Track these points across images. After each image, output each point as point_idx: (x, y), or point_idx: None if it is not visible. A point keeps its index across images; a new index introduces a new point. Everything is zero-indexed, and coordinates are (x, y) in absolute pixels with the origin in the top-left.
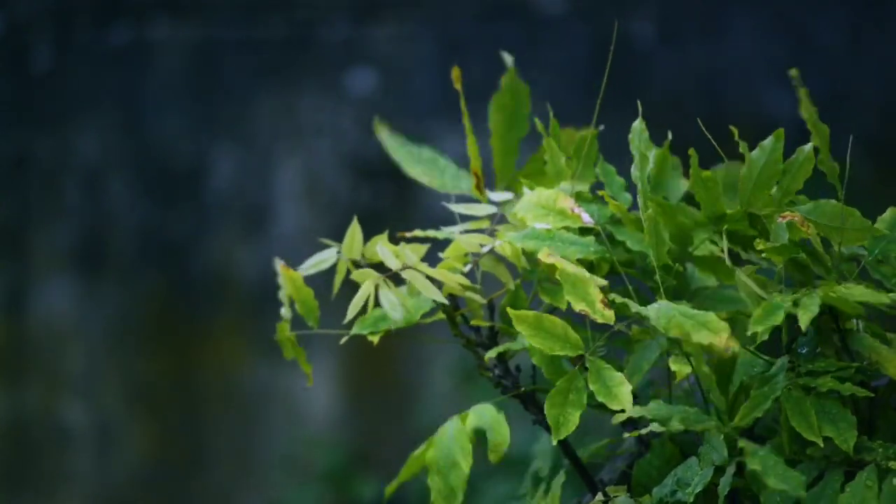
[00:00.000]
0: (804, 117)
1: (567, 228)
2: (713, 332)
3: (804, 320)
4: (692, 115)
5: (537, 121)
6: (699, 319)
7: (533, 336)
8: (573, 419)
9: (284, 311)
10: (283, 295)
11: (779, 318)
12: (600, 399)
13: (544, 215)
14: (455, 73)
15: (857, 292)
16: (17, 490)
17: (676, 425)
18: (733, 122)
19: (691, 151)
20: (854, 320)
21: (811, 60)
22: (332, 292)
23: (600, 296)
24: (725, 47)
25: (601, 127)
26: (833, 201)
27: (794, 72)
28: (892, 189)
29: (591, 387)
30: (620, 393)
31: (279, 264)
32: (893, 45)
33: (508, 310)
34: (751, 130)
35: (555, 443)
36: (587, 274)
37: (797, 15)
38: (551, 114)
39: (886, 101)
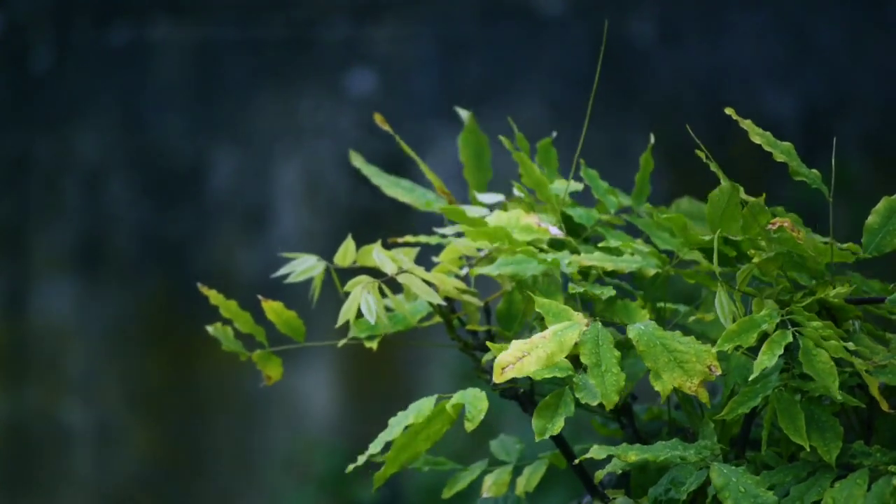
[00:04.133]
0: (758, 143)
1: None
2: (686, 374)
3: (760, 364)
4: (692, 116)
5: (503, 138)
6: (678, 357)
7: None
8: (558, 424)
9: (212, 331)
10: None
11: (752, 339)
12: (584, 402)
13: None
14: (378, 118)
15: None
16: (17, 490)
17: (654, 466)
18: (732, 122)
19: (648, 207)
20: (851, 321)
21: (811, 60)
22: (323, 300)
23: (585, 320)
24: (725, 47)
25: (554, 133)
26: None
27: (729, 110)
28: (892, 189)
29: (578, 395)
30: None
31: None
32: (893, 45)
33: (489, 344)
34: None
35: (538, 439)
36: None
37: (797, 15)
38: (515, 129)
39: (886, 101)
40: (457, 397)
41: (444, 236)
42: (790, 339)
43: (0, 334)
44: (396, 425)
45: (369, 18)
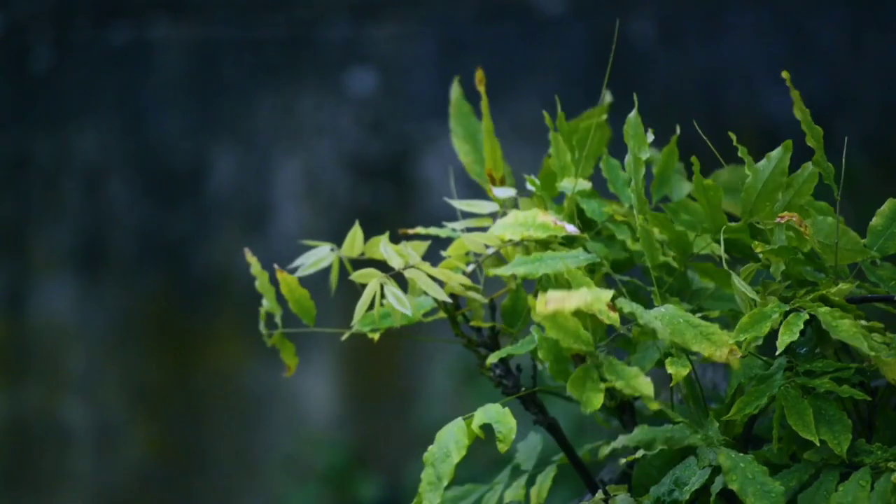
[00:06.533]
0: (798, 118)
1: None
2: (714, 345)
3: (782, 343)
4: (692, 115)
5: (545, 113)
6: (703, 330)
7: (550, 328)
8: (597, 398)
9: (266, 308)
10: (266, 299)
11: (765, 329)
12: (621, 390)
13: (524, 231)
14: (478, 74)
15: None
16: (17, 490)
17: (661, 447)
18: (733, 122)
19: (694, 159)
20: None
21: (811, 60)
22: (329, 291)
23: (606, 299)
24: (725, 47)
25: (604, 116)
26: (830, 218)
27: (785, 74)
28: (892, 189)
29: (609, 377)
30: (640, 384)
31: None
32: (893, 45)
33: (529, 298)
34: (750, 130)
35: (585, 412)
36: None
37: (797, 15)
38: (559, 107)
39: (886, 101)
40: (481, 416)
41: (453, 230)
42: (807, 317)
43: (0, 334)
44: (441, 463)
45: (369, 18)
